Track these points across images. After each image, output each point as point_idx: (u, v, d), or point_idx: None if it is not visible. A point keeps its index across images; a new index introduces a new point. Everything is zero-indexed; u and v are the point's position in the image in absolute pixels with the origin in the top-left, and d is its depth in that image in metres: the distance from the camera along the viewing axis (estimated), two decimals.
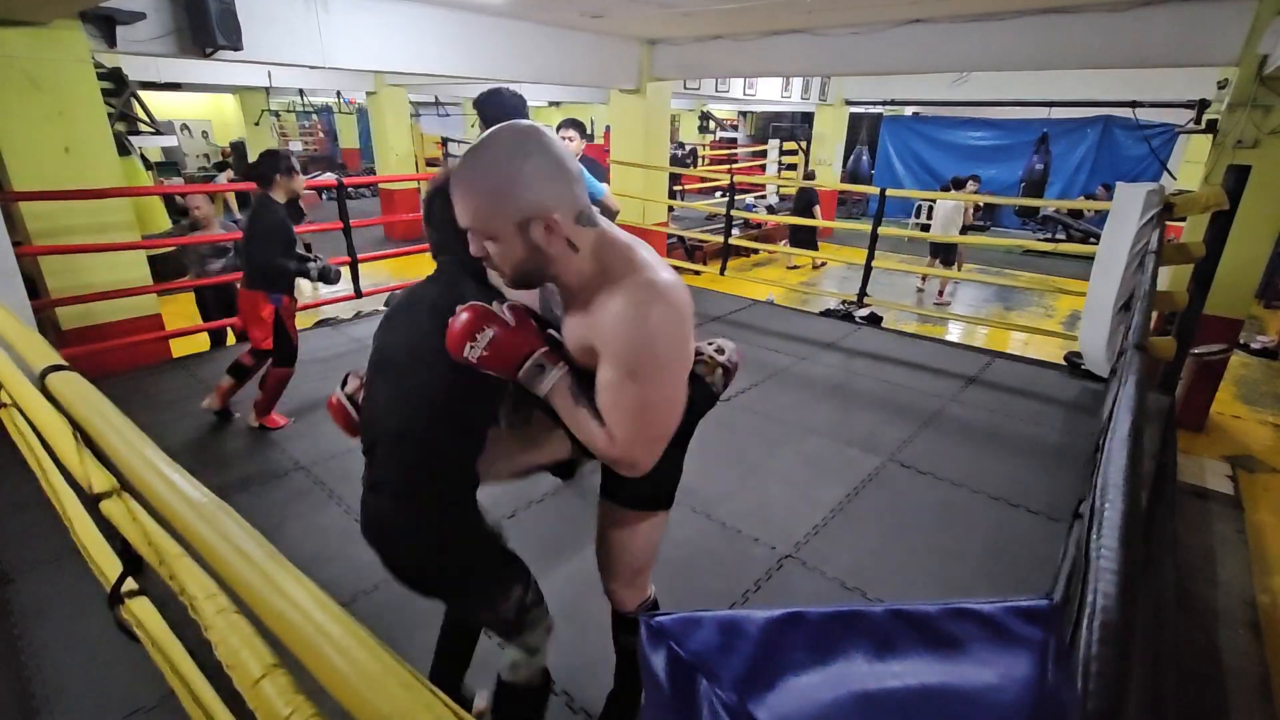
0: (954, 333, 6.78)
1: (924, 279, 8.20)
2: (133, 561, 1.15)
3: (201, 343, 4.67)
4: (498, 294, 1.17)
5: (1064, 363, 4.45)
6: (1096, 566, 0.81)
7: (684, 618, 0.53)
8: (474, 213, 1.00)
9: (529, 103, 13.91)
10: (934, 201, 9.84)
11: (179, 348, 4.44)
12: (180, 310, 5.01)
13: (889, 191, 5.31)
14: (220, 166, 9.97)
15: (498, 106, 2.30)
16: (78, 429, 1.11)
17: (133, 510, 1.05)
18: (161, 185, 7.35)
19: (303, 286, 4.43)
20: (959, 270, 8.02)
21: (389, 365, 1.24)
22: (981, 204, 8.44)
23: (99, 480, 1.13)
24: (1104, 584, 0.77)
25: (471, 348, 1.04)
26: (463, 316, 1.05)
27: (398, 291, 5.53)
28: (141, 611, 1.26)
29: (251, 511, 2.71)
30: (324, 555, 2.43)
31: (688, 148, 12.75)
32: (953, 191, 7.91)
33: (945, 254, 7.93)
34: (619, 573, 1.45)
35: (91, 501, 1.13)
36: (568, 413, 1.10)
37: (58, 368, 1.14)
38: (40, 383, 1.14)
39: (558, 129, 3.53)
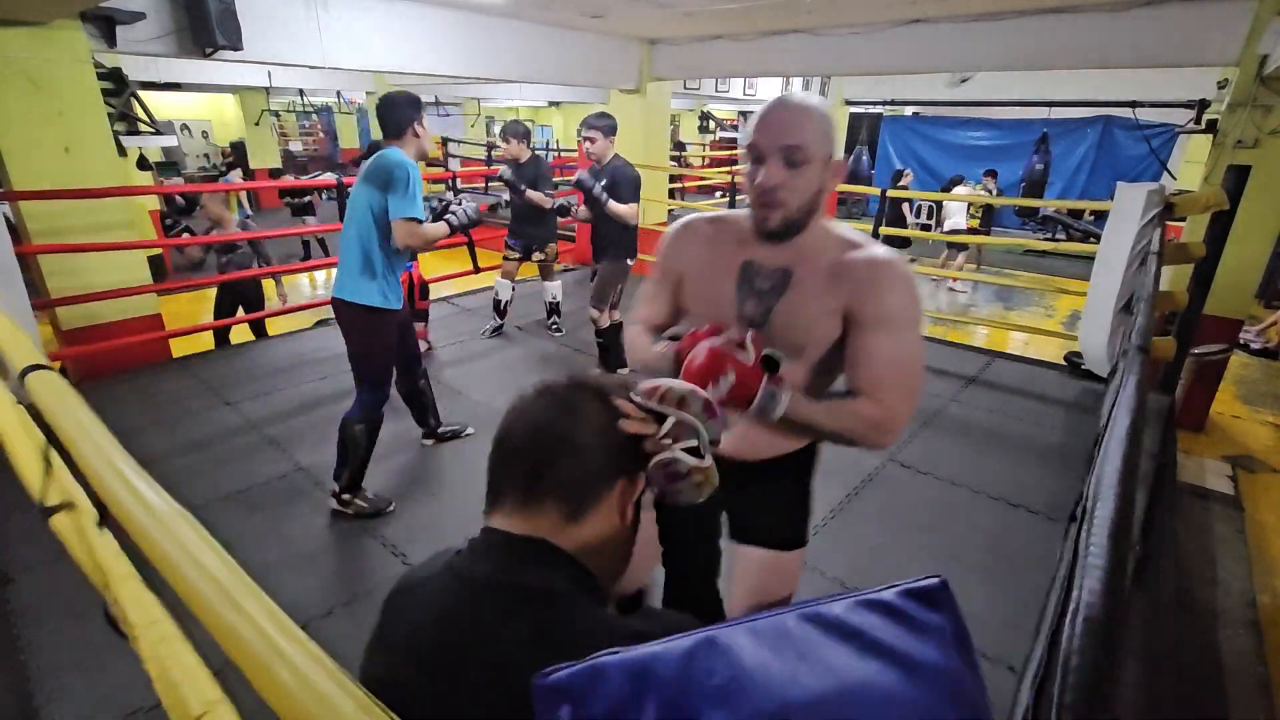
0: (954, 332, 6.78)
1: (954, 280, 8.16)
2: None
3: (201, 343, 4.67)
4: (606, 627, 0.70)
5: (1064, 363, 4.45)
6: (1083, 563, 0.82)
7: (585, 670, 0.47)
8: (809, 130, 1.05)
9: (529, 103, 13.80)
10: (934, 203, 9.87)
11: (179, 348, 4.44)
12: (180, 310, 5.01)
13: (890, 192, 5.32)
14: (231, 166, 9.96)
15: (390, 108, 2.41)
16: (50, 434, 1.09)
17: (82, 527, 1.00)
18: (162, 185, 7.36)
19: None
20: (960, 269, 8.02)
21: None
22: (981, 203, 8.43)
23: (54, 492, 1.10)
24: (1090, 580, 0.77)
25: (714, 390, 1.02)
26: (700, 358, 1.04)
27: None
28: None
29: (251, 511, 2.72)
30: (323, 555, 2.43)
31: (686, 147, 12.75)
32: (958, 190, 7.94)
33: (954, 245, 7.96)
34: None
35: (43, 514, 1.06)
36: (818, 416, 1.11)
37: (38, 367, 1.11)
38: (18, 382, 1.11)
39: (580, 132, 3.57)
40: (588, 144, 3.58)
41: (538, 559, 0.68)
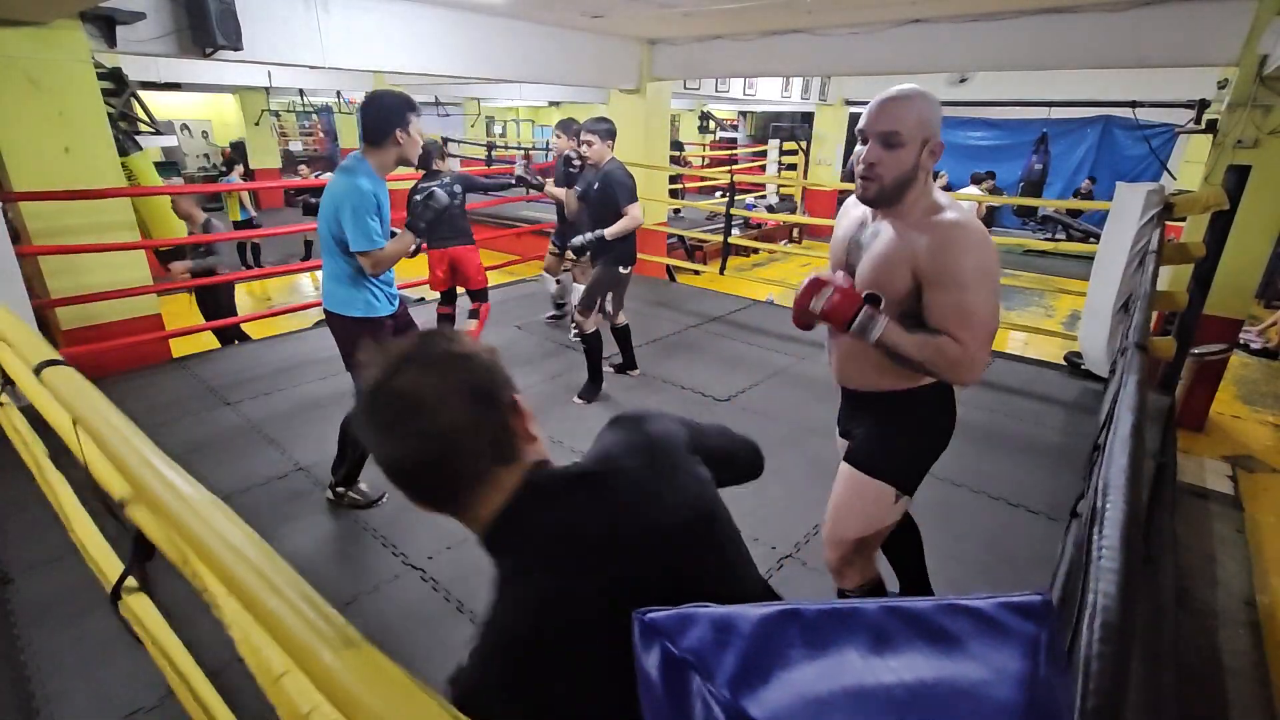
0: None
1: None
2: (142, 550, 1.14)
3: (201, 343, 4.67)
4: None
5: (1064, 363, 4.45)
6: (1097, 565, 0.81)
7: (678, 614, 0.52)
8: (908, 119, 1.32)
9: (529, 102, 13.81)
10: None
11: (179, 348, 4.44)
12: (180, 310, 5.01)
13: None
14: (231, 164, 9.96)
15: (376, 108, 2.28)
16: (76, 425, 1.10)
17: (159, 508, 1.04)
18: (162, 186, 7.35)
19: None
20: None
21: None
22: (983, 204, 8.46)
23: (118, 484, 1.11)
24: (1104, 583, 0.77)
25: (816, 302, 1.39)
26: (804, 284, 1.40)
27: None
28: (141, 609, 1.26)
29: (251, 512, 2.72)
30: (323, 555, 2.43)
31: (685, 147, 12.75)
32: (969, 189, 7.94)
33: None
34: (836, 538, 1.67)
35: (116, 506, 1.10)
36: (906, 345, 1.32)
37: (52, 363, 1.13)
38: (35, 378, 1.13)
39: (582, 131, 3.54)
40: (584, 147, 3.56)
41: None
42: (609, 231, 3.42)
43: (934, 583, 2.36)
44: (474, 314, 4.30)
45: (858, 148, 1.37)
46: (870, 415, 1.55)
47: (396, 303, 2.57)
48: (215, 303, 4.65)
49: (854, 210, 1.55)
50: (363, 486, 2.72)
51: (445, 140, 4.84)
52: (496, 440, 0.73)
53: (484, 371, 0.74)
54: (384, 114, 2.24)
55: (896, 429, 1.53)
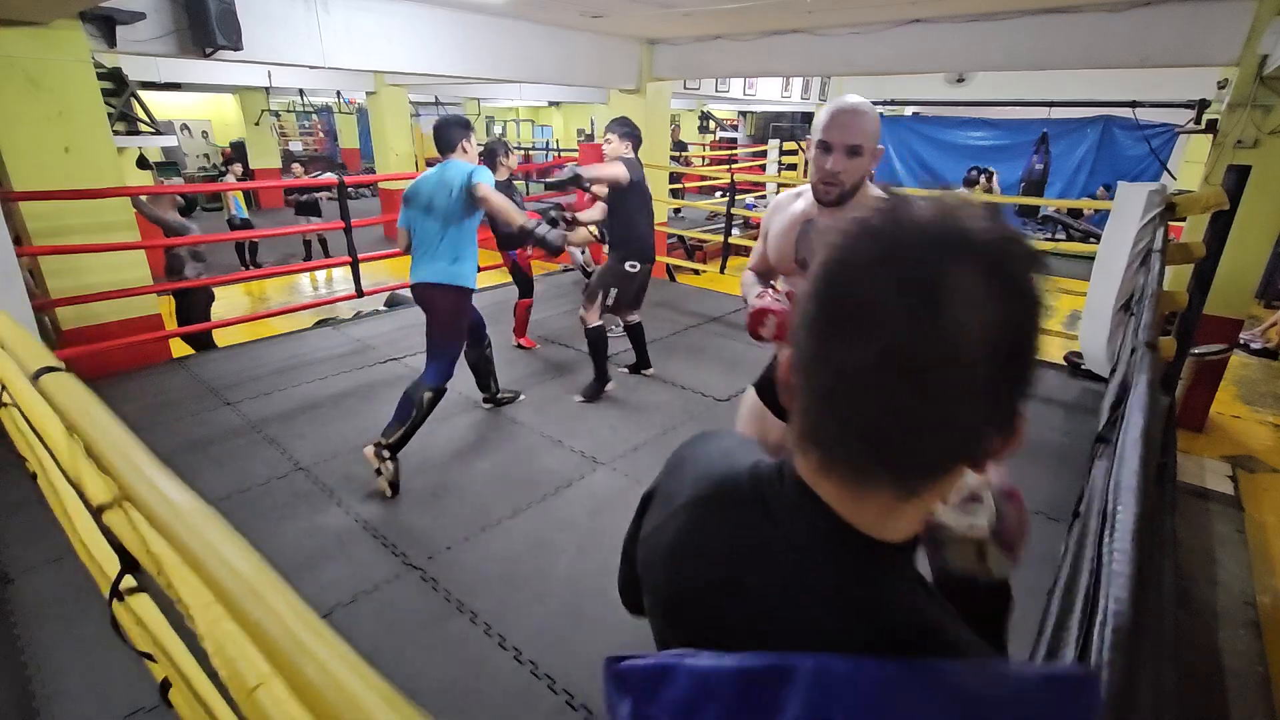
0: None
1: None
2: (129, 561, 1.15)
3: (181, 347, 4.66)
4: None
5: (1064, 363, 4.45)
6: (1108, 570, 0.81)
7: (654, 667, 0.45)
8: (868, 133, 1.47)
9: (529, 102, 13.78)
10: None
11: (179, 348, 4.44)
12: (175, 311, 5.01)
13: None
14: (229, 163, 9.96)
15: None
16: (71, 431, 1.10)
17: (133, 519, 1.04)
18: (162, 185, 7.35)
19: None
20: None
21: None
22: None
23: (98, 489, 1.11)
24: (1116, 588, 0.76)
25: (764, 330, 1.54)
26: (750, 312, 1.54)
27: (399, 293, 5.53)
28: (141, 609, 1.26)
29: (251, 512, 2.72)
30: (323, 555, 2.43)
31: (687, 146, 12.75)
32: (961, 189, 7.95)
33: None
34: None
35: (94, 511, 1.12)
36: None
37: (50, 369, 1.12)
38: (33, 384, 1.13)
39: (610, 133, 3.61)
40: (605, 145, 3.63)
41: (871, 569, 0.50)
42: (586, 170, 3.42)
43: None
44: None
45: (816, 154, 1.50)
46: None
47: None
48: (189, 309, 4.61)
49: (791, 206, 1.68)
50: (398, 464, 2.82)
51: (505, 141, 4.91)
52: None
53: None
54: (449, 130, 2.80)
55: None
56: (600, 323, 3.64)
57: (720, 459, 0.62)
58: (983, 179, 8.13)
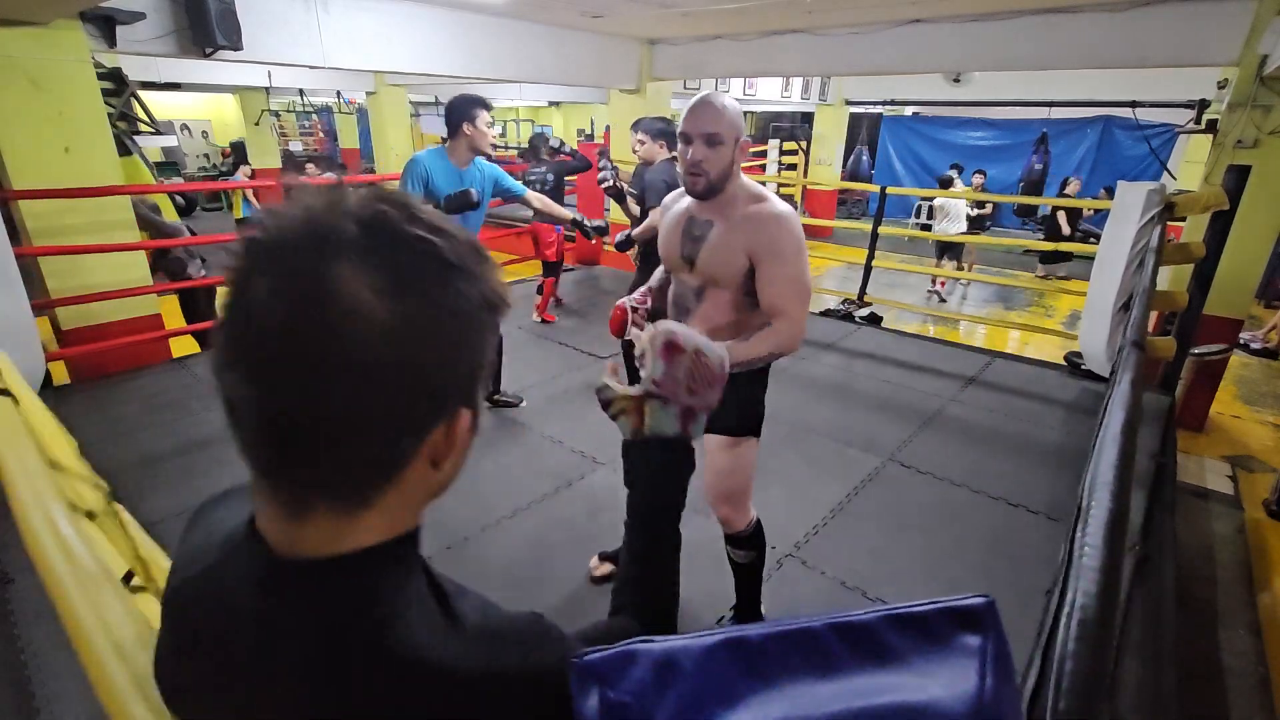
0: (954, 332, 6.78)
1: (936, 282, 8.18)
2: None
3: (191, 344, 4.65)
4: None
5: (1064, 363, 4.45)
6: (1078, 564, 0.81)
7: (616, 654, 0.49)
8: (724, 121, 1.50)
9: (529, 102, 13.75)
10: (934, 201, 9.84)
11: (179, 348, 4.44)
12: (177, 310, 5.01)
13: (890, 189, 5.32)
14: (236, 164, 9.95)
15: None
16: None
17: (125, 522, 1.03)
18: (162, 185, 7.35)
19: None
20: (969, 270, 8.02)
21: None
22: (979, 202, 8.43)
23: (90, 499, 1.11)
24: (1084, 582, 0.77)
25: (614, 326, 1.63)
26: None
27: None
28: (146, 608, 1.26)
29: None
30: None
31: None
32: (950, 188, 7.94)
33: (952, 251, 7.95)
34: (718, 496, 1.84)
35: (88, 517, 1.11)
36: (754, 353, 1.51)
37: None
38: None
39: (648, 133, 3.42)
40: (637, 146, 3.45)
41: (310, 592, 0.44)
42: (635, 232, 3.36)
43: (934, 582, 2.36)
44: (540, 289, 5.08)
45: (680, 147, 1.56)
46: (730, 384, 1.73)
47: None
48: (195, 306, 4.61)
49: (677, 206, 1.72)
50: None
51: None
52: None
53: None
54: (453, 111, 2.76)
55: (746, 393, 1.73)
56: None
57: (212, 524, 0.54)
58: (974, 178, 8.15)
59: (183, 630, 0.51)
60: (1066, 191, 8.86)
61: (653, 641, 0.49)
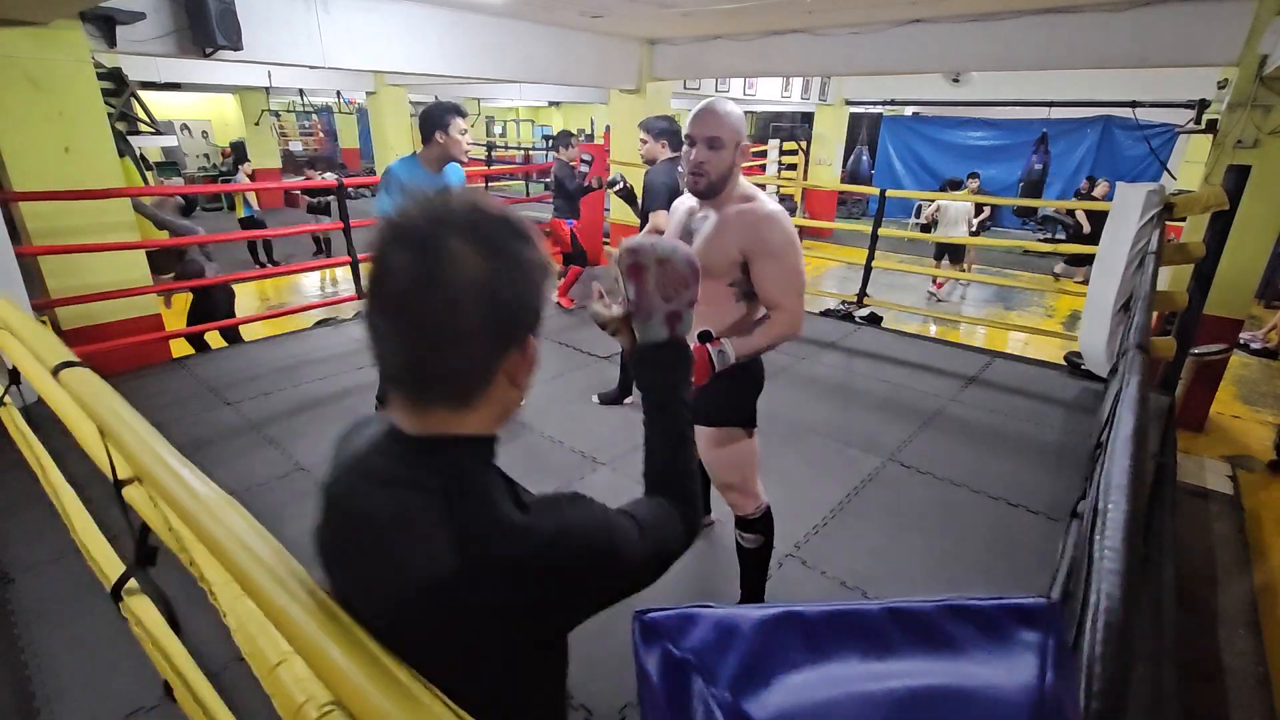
0: (954, 332, 6.78)
1: (935, 282, 8.19)
2: (145, 553, 1.15)
3: (185, 345, 4.65)
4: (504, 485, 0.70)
5: (1064, 363, 4.45)
6: (1100, 567, 0.81)
7: (680, 614, 0.52)
8: (726, 126, 1.59)
9: (529, 102, 13.73)
10: (934, 202, 9.84)
11: (179, 348, 4.44)
12: (180, 310, 5.01)
13: (889, 192, 5.32)
14: (238, 164, 9.93)
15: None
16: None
17: (154, 497, 1.06)
18: (162, 185, 7.35)
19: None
20: (969, 270, 8.02)
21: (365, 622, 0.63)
22: (981, 204, 8.42)
23: (123, 466, 1.13)
24: (1107, 584, 0.77)
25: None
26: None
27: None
28: (140, 609, 1.26)
29: (252, 511, 2.70)
30: None
31: None
32: (949, 192, 7.93)
33: (954, 253, 7.94)
34: (721, 485, 1.91)
35: (115, 487, 1.14)
36: (756, 345, 1.63)
37: (70, 364, 1.14)
38: (53, 378, 1.14)
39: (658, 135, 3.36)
40: (641, 145, 3.40)
41: (437, 467, 0.63)
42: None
43: (934, 582, 2.36)
44: (561, 274, 5.30)
45: (684, 149, 1.66)
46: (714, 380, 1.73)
47: None
48: (209, 307, 4.60)
49: (683, 204, 1.84)
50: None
51: (569, 134, 5.27)
52: None
53: None
54: (427, 120, 2.73)
55: (736, 384, 1.80)
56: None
57: (355, 438, 0.72)
58: (969, 180, 8.17)
59: (336, 503, 0.68)
60: (1095, 194, 8.87)
61: (711, 606, 0.53)
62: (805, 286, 1.67)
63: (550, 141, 11.73)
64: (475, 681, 0.61)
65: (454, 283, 0.58)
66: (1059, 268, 8.96)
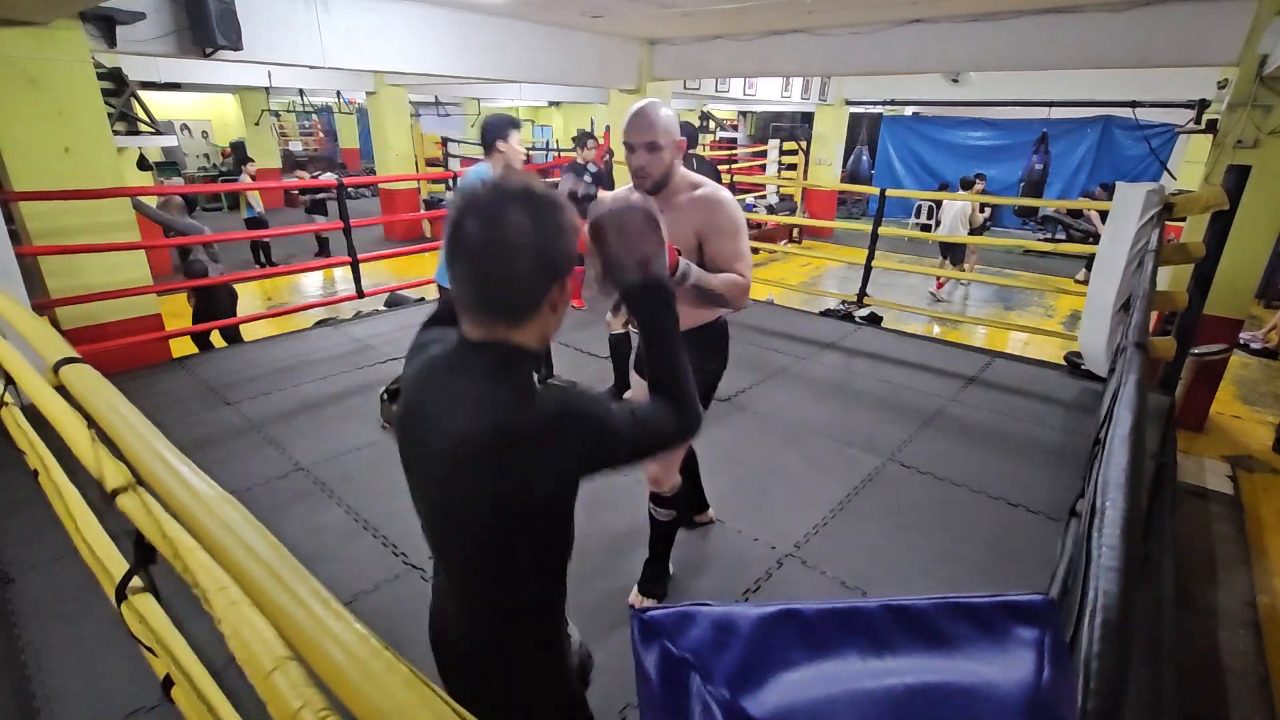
0: (954, 332, 6.78)
1: (938, 282, 8.19)
2: (144, 553, 1.15)
3: (190, 345, 4.66)
4: (542, 366, 1.17)
5: (1064, 363, 4.45)
6: (1098, 565, 0.81)
7: (678, 613, 0.53)
8: (659, 129, 1.71)
9: (529, 102, 13.71)
10: (934, 202, 9.85)
11: (179, 348, 4.44)
12: (180, 310, 5.01)
13: (889, 192, 5.32)
14: (241, 163, 9.92)
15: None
16: (91, 422, 1.12)
17: (147, 504, 1.05)
18: (162, 185, 7.35)
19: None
20: (971, 270, 8.02)
21: (424, 478, 0.92)
22: (984, 205, 8.42)
23: (114, 475, 1.13)
24: (1105, 582, 0.77)
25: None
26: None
27: (400, 293, 5.55)
28: (145, 608, 1.26)
29: (252, 511, 2.70)
30: (323, 555, 2.43)
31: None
32: (958, 191, 7.94)
33: (954, 253, 7.94)
34: (664, 460, 1.98)
35: (107, 496, 1.14)
36: (714, 281, 1.72)
37: (70, 360, 1.14)
38: (53, 375, 1.14)
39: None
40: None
41: (492, 359, 0.87)
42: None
43: (934, 582, 2.36)
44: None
45: (625, 154, 1.78)
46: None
47: None
48: (211, 306, 4.61)
49: (628, 199, 1.93)
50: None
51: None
52: None
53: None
54: (488, 131, 3.02)
55: (698, 361, 1.89)
56: (623, 330, 3.61)
57: (429, 344, 0.98)
58: (977, 181, 8.18)
59: (415, 383, 0.94)
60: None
61: (709, 605, 0.54)
62: (752, 263, 1.84)
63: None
64: (498, 537, 0.87)
65: (512, 239, 0.82)
66: (1081, 275, 8.90)
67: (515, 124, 3.07)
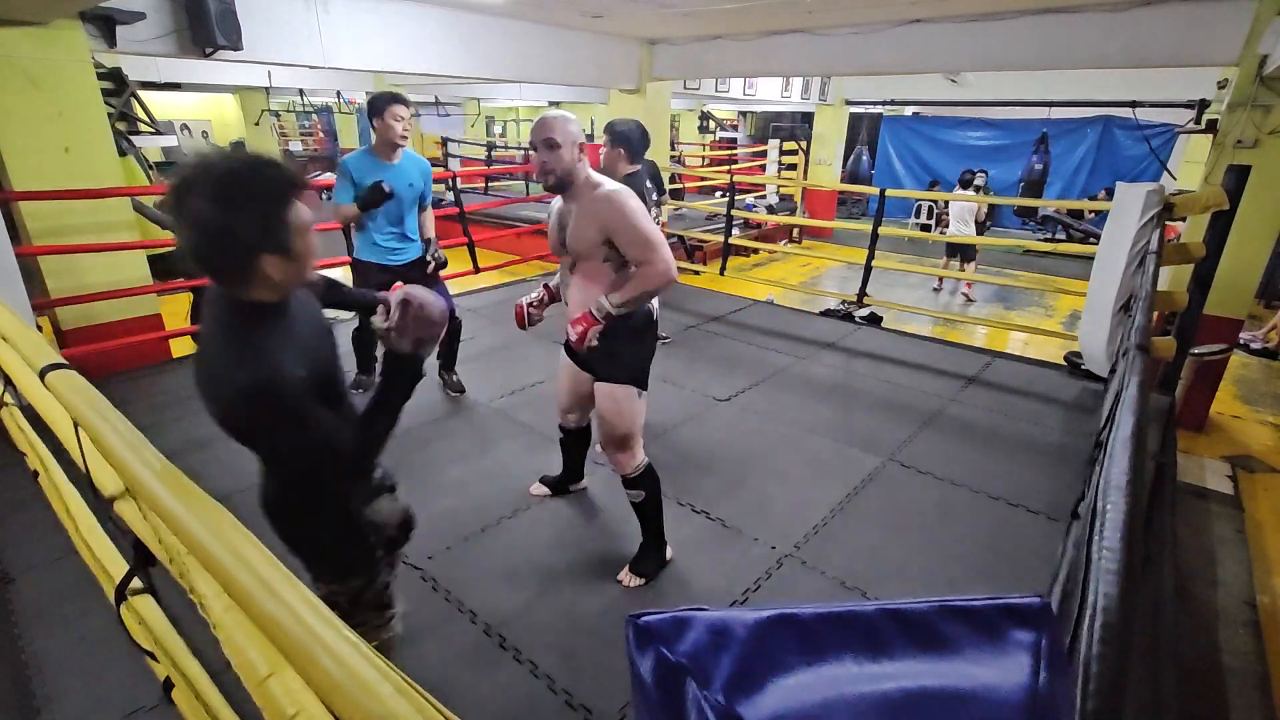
0: (954, 332, 6.78)
1: (961, 285, 8.19)
2: (143, 556, 1.16)
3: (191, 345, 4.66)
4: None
5: (1064, 363, 4.45)
6: (1098, 567, 0.81)
7: (673, 618, 0.52)
8: (558, 129, 1.88)
9: (529, 102, 13.74)
10: (934, 202, 9.85)
11: (179, 348, 4.44)
12: (180, 310, 5.01)
13: (889, 192, 5.32)
14: None
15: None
16: (79, 428, 1.12)
17: (144, 509, 1.05)
18: (162, 185, 7.33)
19: None
20: (974, 270, 8.02)
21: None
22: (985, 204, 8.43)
23: (109, 480, 1.13)
24: (1105, 584, 0.77)
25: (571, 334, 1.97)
26: (577, 332, 1.97)
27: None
28: (145, 609, 1.26)
29: (252, 511, 2.71)
30: None
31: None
32: (958, 190, 7.94)
33: (965, 251, 7.92)
34: (609, 439, 2.14)
35: (105, 502, 1.14)
36: (628, 297, 1.91)
37: (56, 366, 1.14)
38: (39, 381, 1.14)
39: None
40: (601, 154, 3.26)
41: (227, 309, 1.10)
42: None
43: (934, 582, 2.36)
44: None
45: (530, 156, 1.94)
46: (605, 339, 2.02)
47: (395, 260, 3.20)
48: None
49: (556, 204, 2.11)
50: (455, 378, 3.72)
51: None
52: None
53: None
54: (368, 109, 2.95)
55: (627, 345, 2.09)
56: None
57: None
58: (978, 175, 8.17)
59: (199, 341, 1.16)
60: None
61: (704, 609, 0.54)
62: (661, 240, 1.92)
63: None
64: (246, 442, 1.13)
65: (194, 223, 1.00)
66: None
67: (396, 99, 2.95)
